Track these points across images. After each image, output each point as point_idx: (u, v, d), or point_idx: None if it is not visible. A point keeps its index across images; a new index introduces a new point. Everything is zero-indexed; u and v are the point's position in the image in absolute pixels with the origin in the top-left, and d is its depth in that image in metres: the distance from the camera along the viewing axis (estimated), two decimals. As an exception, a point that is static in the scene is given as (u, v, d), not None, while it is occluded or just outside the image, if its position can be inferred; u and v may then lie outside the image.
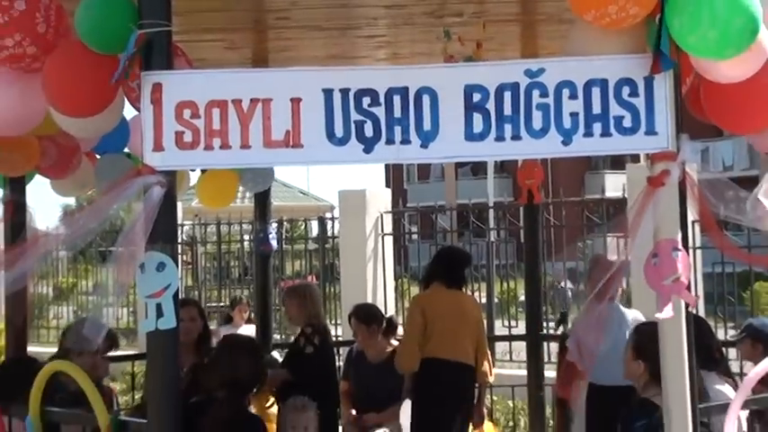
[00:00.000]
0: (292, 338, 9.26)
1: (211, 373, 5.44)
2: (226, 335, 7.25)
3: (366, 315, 9.01)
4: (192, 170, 7.73)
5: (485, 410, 9.21)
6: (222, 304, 20.04)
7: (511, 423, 10.57)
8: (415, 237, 23.54)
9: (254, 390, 5.94)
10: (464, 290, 9.12)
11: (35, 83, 5.28)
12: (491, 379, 8.88)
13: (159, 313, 4.78)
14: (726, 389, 5.90)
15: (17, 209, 7.24)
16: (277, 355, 9.44)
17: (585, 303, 6.82)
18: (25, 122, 5.57)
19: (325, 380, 8.16)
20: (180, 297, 4.94)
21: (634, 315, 7.37)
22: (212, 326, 18.76)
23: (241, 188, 9.22)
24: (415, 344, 7.79)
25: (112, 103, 5.26)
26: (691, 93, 5.02)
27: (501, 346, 13.31)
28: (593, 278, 6.88)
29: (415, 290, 13.02)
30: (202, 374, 5.61)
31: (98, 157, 7.58)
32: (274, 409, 8.76)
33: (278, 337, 13.36)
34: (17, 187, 7.29)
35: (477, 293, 15.14)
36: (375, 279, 13.88)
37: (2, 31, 5.09)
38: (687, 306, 4.77)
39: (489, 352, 9.33)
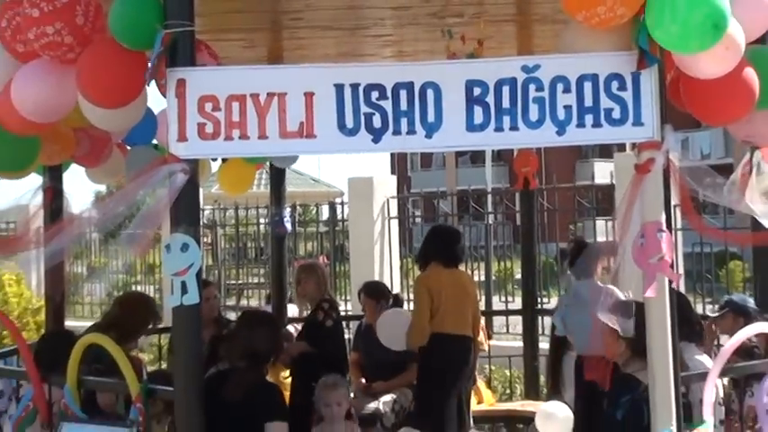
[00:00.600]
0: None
1: (232, 345, 5.44)
2: (244, 310, 7.25)
3: (375, 291, 9.04)
4: (214, 159, 7.75)
5: (478, 377, 9.32)
6: (240, 282, 20.16)
7: (508, 391, 10.58)
8: (418, 220, 23.62)
9: (271, 360, 5.95)
10: (462, 267, 9.13)
11: (69, 74, 5.28)
12: (485, 347, 8.95)
13: (184, 290, 4.82)
14: (704, 359, 5.90)
15: (55, 194, 7.26)
16: (291, 328, 9.48)
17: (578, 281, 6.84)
18: (57, 111, 5.55)
19: (342, 350, 8.21)
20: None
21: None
22: (230, 302, 18.85)
23: (258, 174, 9.25)
24: (425, 322, 7.81)
25: (139, 96, 5.28)
26: (671, 85, 5.00)
27: (498, 320, 13.30)
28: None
29: (415, 270, 13.02)
30: (223, 346, 5.61)
31: (128, 147, 7.60)
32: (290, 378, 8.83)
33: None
34: (55, 175, 7.31)
35: (476, 272, 15.18)
36: (381, 259, 13.88)
37: (44, 20, 5.10)
38: (670, 283, 4.79)
39: (485, 325, 9.46)
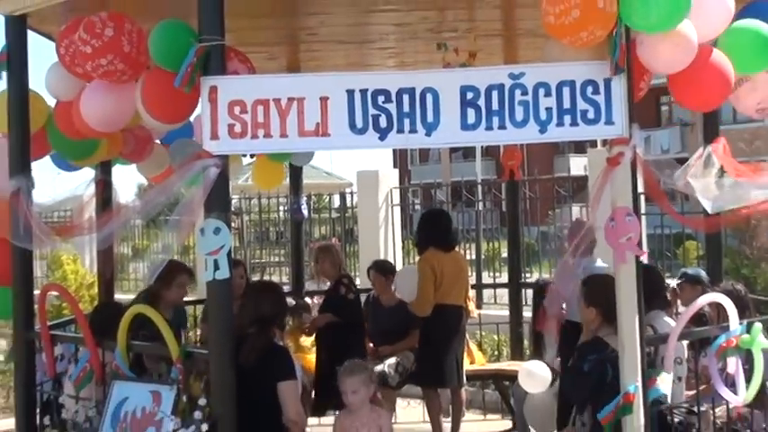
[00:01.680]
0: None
1: (242, 314, 5.43)
2: (251, 282, 7.21)
3: (383, 268, 9.05)
4: (243, 155, 7.78)
5: (471, 341, 9.36)
6: (263, 261, 20.19)
7: (496, 353, 10.57)
8: (417, 207, 23.57)
9: (279, 322, 5.92)
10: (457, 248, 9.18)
11: (126, 92, 5.39)
12: (474, 314, 9.02)
13: (216, 267, 4.87)
14: (672, 323, 5.93)
15: (105, 186, 7.31)
16: (308, 299, 9.51)
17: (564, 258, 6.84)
18: (118, 123, 5.70)
19: (362, 319, 8.24)
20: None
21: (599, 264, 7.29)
22: (255, 278, 18.87)
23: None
24: (431, 295, 7.86)
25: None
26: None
27: (488, 293, 13.27)
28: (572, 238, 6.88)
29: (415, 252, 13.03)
30: (237, 316, 5.63)
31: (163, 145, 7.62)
32: (307, 342, 8.84)
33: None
34: (105, 169, 7.37)
35: (468, 251, 15.17)
36: (386, 241, 13.86)
37: (97, 53, 5.19)
38: (637, 258, 4.82)
39: (476, 296, 9.54)
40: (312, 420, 7.72)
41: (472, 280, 11.84)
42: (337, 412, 6.41)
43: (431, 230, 8.29)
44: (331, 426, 8.18)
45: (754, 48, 5.10)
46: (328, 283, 8.62)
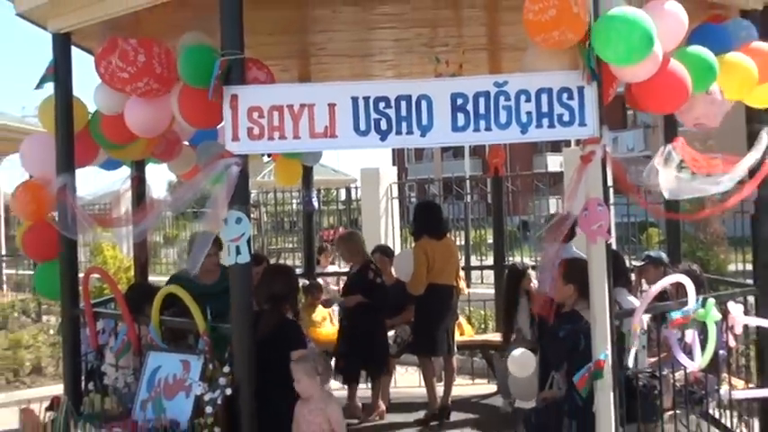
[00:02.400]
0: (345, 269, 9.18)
1: (258, 292, 5.42)
2: (266, 266, 7.17)
3: (385, 252, 9.09)
4: (262, 155, 7.77)
5: (461, 316, 9.36)
6: (279, 247, 20.21)
7: (483, 326, 10.58)
8: (414, 200, 23.55)
9: (290, 300, 5.91)
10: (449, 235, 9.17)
11: (162, 104, 5.43)
12: (465, 291, 9.03)
13: (238, 252, 4.88)
14: (633, 300, 5.91)
15: (139, 182, 7.29)
16: (320, 280, 9.52)
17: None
18: (158, 129, 5.73)
19: (387, 299, 8.19)
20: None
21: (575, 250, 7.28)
22: (272, 262, 18.87)
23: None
24: (423, 276, 7.87)
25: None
26: (627, 92, 5.01)
27: (475, 273, 13.30)
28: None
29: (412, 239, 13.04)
30: (254, 295, 5.57)
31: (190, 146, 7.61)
32: (318, 317, 8.84)
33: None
34: (139, 167, 7.35)
35: (458, 238, 15.19)
36: (386, 229, 13.82)
37: (134, 78, 5.23)
38: (607, 243, 4.81)
39: (465, 276, 9.53)
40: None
41: (462, 263, 11.88)
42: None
43: (424, 221, 8.28)
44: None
45: (696, 71, 5.07)
46: (350, 266, 8.56)
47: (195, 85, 5.03)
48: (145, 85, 5.25)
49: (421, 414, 8.08)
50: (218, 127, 5.69)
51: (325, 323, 8.89)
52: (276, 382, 5.16)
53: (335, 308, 9.11)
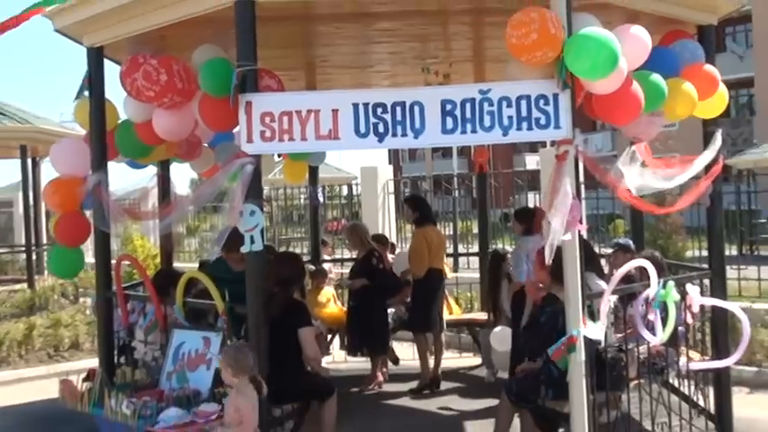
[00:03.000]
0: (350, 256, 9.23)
1: (268, 276, 5.43)
2: (276, 253, 7.14)
3: (382, 240, 9.12)
4: (272, 155, 7.77)
5: (450, 296, 9.44)
6: (288, 236, 20.24)
7: (469, 306, 10.58)
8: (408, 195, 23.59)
9: (297, 283, 5.92)
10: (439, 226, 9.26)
11: (185, 112, 5.45)
12: (450, 276, 9.29)
13: (252, 241, 4.86)
14: (602, 283, 5.92)
15: (165, 179, 7.29)
16: (326, 266, 9.54)
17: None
18: (182, 134, 5.75)
19: (388, 284, 8.20)
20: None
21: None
22: (282, 249, 18.86)
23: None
24: (426, 259, 7.94)
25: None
26: (585, 101, 5.00)
27: (462, 260, 13.31)
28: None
29: (406, 227, 13.08)
30: (265, 279, 5.52)
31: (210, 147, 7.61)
32: (323, 299, 8.85)
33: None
34: (165, 166, 7.35)
35: (447, 228, 15.23)
36: (383, 221, 13.79)
37: (159, 96, 5.26)
38: (579, 232, 4.82)
39: (453, 263, 9.57)
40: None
41: (450, 250, 11.91)
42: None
43: (426, 210, 8.30)
44: (356, 365, 8.31)
45: (649, 93, 5.04)
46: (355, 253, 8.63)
47: (215, 95, 5.04)
48: (169, 100, 5.26)
49: (414, 384, 8.11)
50: (234, 131, 5.72)
51: (330, 304, 8.90)
52: (285, 355, 5.18)
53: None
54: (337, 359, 8.95)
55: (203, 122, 5.34)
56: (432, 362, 8.17)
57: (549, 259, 4.63)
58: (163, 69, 5.19)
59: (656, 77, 5.18)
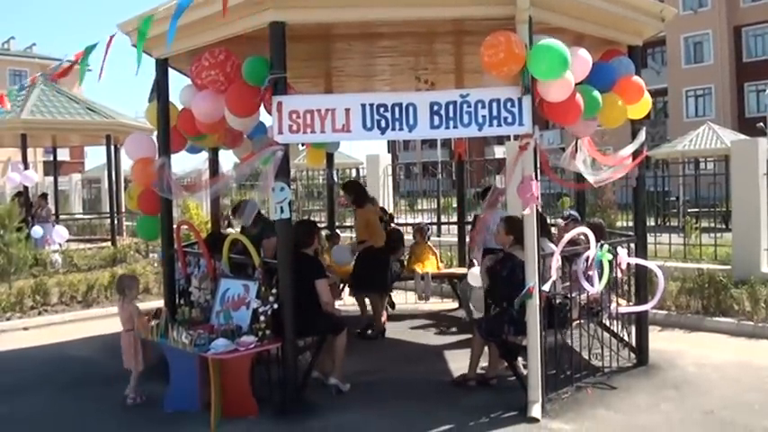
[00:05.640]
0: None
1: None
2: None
3: (384, 211, 8.89)
4: (298, 144, 7.67)
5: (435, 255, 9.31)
6: (309, 208, 20.15)
7: (449, 263, 10.53)
8: (403, 177, 23.51)
9: (309, 243, 5.67)
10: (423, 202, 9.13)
11: (221, 98, 5.27)
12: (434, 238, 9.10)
13: (282, 211, 4.85)
14: (552, 246, 5.88)
15: (214, 162, 7.22)
16: (338, 231, 9.46)
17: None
18: (217, 116, 5.53)
19: (387, 242, 7.74)
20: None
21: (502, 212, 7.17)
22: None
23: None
24: (381, 230, 7.69)
25: (257, 112, 5.31)
26: (540, 105, 4.93)
27: (444, 227, 13.25)
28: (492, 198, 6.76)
29: (401, 202, 12.99)
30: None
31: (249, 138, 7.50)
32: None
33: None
34: (214, 153, 7.29)
35: (432, 203, 15.19)
36: (383, 199, 13.68)
37: (210, 69, 5.18)
38: (536, 207, 4.78)
39: (437, 229, 9.40)
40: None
41: (435, 219, 11.75)
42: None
43: (361, 193, 7.81)
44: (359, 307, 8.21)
45: (588, 103, 5.00)
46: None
47: (251, 83, 5.00)
48: (214, 76, 5.17)
49: (416, 322, 8.01)
50: (268, 126, 5.65)
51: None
52: (304, 298, 5.16)
53: None
54: (347, 302, 8.91)
55: (227, 105, 5.17)
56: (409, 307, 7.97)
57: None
58: (222, 56, 5.19)
59: (594, 92, 5.17)
